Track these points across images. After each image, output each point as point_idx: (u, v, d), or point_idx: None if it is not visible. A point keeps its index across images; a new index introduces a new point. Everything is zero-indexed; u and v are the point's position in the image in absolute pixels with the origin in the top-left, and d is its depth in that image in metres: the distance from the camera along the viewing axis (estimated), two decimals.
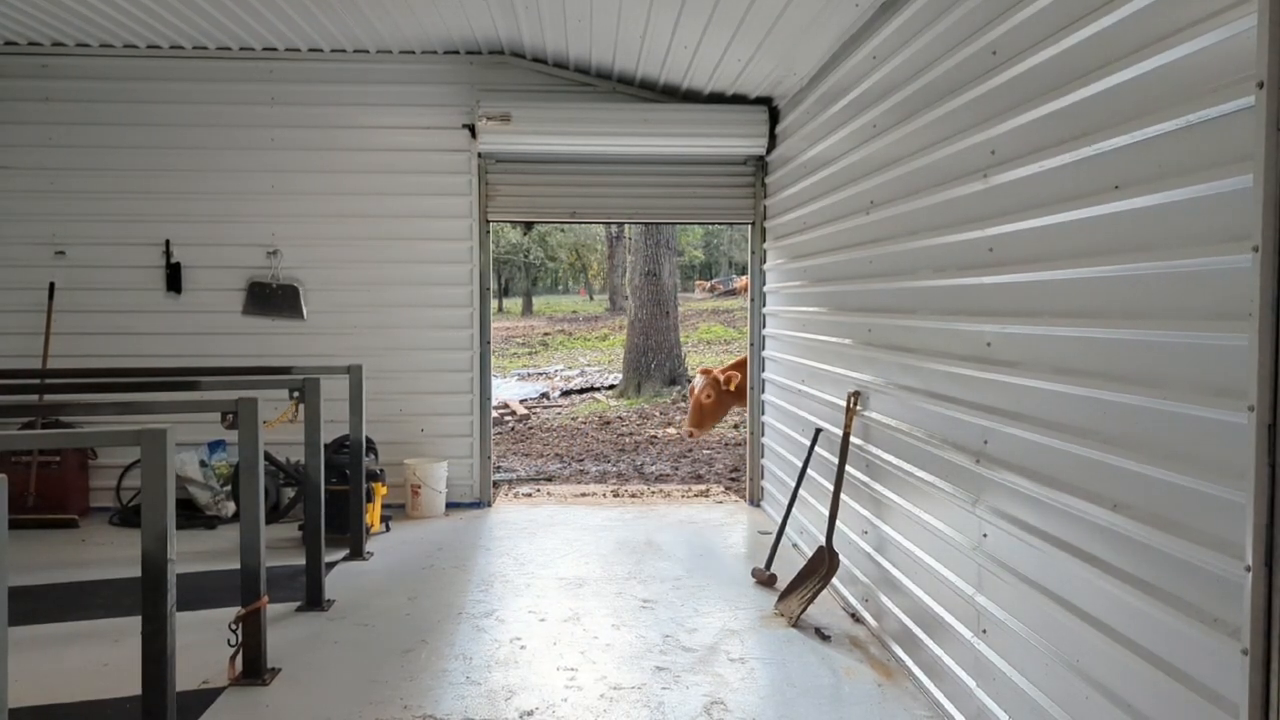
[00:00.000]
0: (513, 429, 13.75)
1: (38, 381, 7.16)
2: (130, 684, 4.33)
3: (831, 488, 5.63)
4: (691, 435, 9.22)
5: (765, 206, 8.38)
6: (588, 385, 18.39)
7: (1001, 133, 3.69)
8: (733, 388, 8.95)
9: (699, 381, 9.15)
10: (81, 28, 7.48)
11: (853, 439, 5.50)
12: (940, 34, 4.33)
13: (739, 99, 8.18)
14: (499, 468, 10.52)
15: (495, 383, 8.77)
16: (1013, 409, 3.58)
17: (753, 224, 8.58)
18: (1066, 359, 3.20)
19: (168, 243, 8.16)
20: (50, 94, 8.08)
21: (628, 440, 12.78)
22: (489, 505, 8.53)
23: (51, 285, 8.10)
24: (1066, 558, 3.14)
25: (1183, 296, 2.60)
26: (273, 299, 8.22)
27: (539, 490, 9.40)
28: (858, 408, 5.46)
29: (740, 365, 9.15)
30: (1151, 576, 2.71)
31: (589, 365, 22.16)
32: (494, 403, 8.83)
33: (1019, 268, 3.54)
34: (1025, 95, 3.50)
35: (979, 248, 3.90)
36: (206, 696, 4.43)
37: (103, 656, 4.92)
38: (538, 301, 45.88)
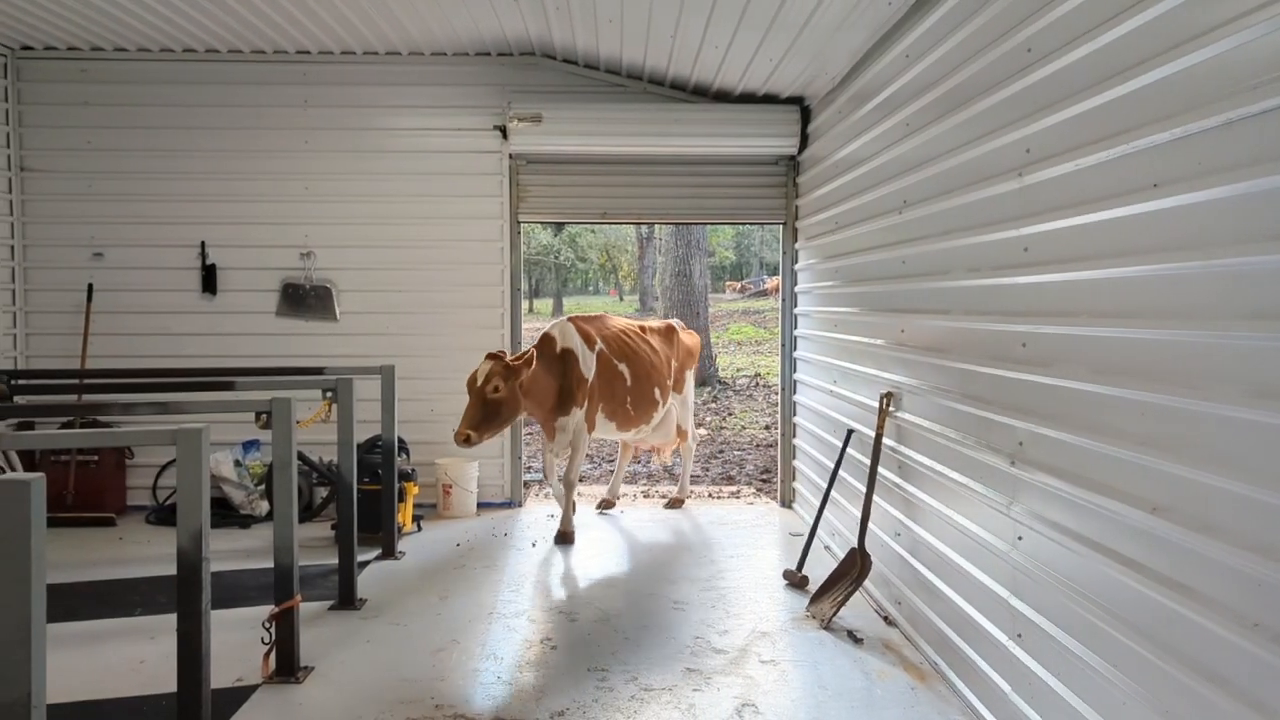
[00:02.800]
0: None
1: (76, 382, 7.26)
2: (166, 681, 4.38)
3: (863, 489, 5.60)
4: (466, 441, 6.57)
5: (797, 206, 8.34)
6: None
7: (1037, 131, 3.65)
8: (523, 378, 6.81)
9: (483, 368, 6.77)
10: (119, 32, 7.58)
11: (885, 440, 5.46)
12: (974, 32, 4.29)
13: (770, 99, 8.15)
14: (530, 468, 10.54)
15: None
16: (1048, 410, 3.54)
17: (784, 224, 8.54)
18: (1104, 360, 3.16)
19: (203, 245, 8.25)
20: (89, 98, 8.19)
21: None
22: (520, 505, 8.55)
23: (90, 287, 8.21)
24: (1104, 561, 3.10)
25: (1224, 296, 2.56)
26: (306, 300, 8.29)
27: None
28: (890, 409, 5.42)
29: (532, 358, 6.94)
30: (1191, 580, 2.67)
31: None
32: None
33: (1055, 267, 3.50)
34: (1061, 93, 3.46)
35: (1014, 247, 3.86)
36: (240, 694, 4.47)
37: (139, 653, 4.97)
38: (568, 302, 45.92)
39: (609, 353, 7.52)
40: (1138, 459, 2.92)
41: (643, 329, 8.00)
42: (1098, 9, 3.20)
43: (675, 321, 8.51)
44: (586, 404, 7.28)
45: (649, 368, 7.71)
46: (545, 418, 7.31)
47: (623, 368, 7.54)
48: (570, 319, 7.54)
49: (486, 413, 6.69)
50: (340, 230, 8.30)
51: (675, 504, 8.52)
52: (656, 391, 7.75)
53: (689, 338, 8.47)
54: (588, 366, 7.29)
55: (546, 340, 7.34)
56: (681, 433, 8.44)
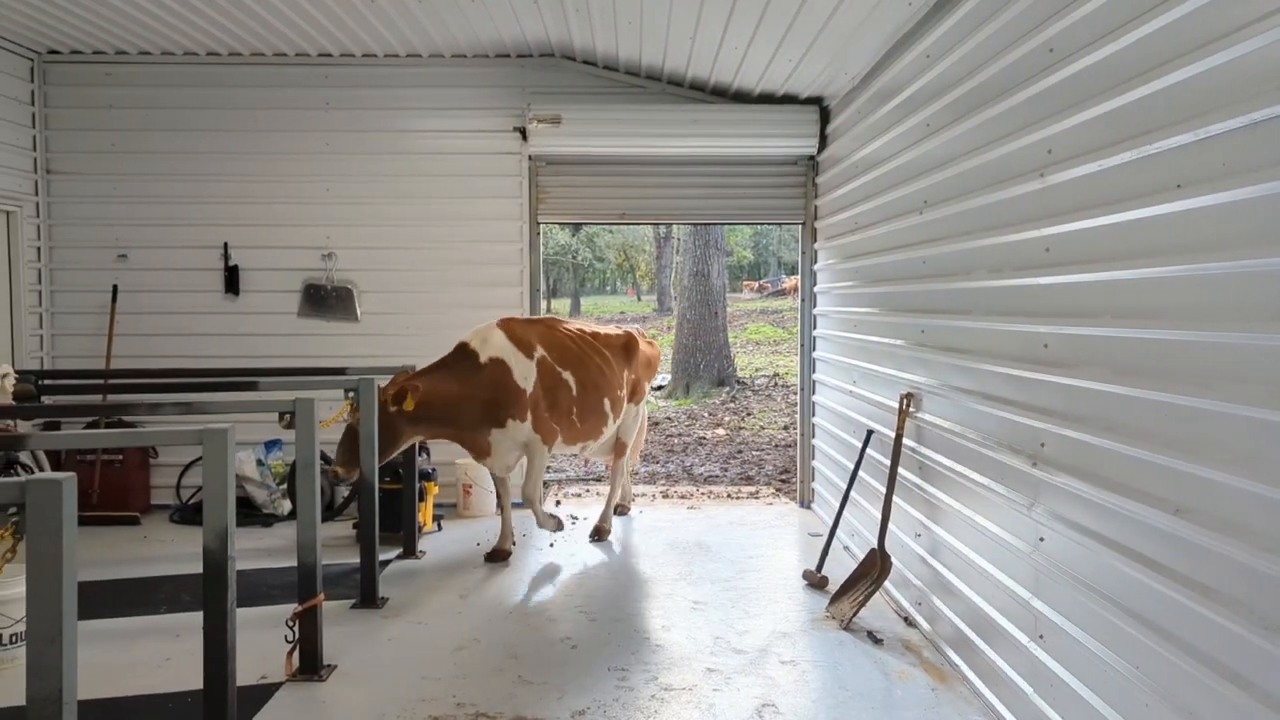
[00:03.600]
0: None
1: (101, 382, 7.33)
2: (192, 678, 4.44)
3: (883, 490, 5.59)
4: (336, 476, 6.04)
5: (816, 206, 8.34)
6: None
7: (1059, 131, 3.64)
8: (408, 407, 6.13)
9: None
10: (143, 36, 7.65)
11: (905, 441, 5.46)
12: (995, 32, 4.28)
13: (789, 99, 8.15)
14: (548, 468, 10.56)
15: None
16: (1071, 411, 3.53)
17: (803, 224, 8.54)
18: (1127, 360, 3.15)
19: (226, 246, 8.32)
20: (113, 101, 8.28)
21: (676, 441, 12.77)
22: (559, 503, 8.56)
23: (114, 288, 8.29)
24: (1127, 562, 3.09)
25: (1248, 296, 2.55)
26: (327, 301, 8.35)
27: (588, 490, 9.43)
28: (910, 409, 5.41)
29: (430, 373, 6.50)
30: (1215, 582, 2.66)
31: None
32: None
33: (1077, 268, 3.49)
34: (1084, 93, 3.45)
35: (1035, 248, 3.85)
36: (265, 691, 4.51)
37: (165, 651, 5.03)
38: (586, 302, 45.97)
39: (552, 360, 6.82)
40: (1160, 460, 2.91)
41: (597, 336, 7.35)
42: (1120, 9, 3.19)
43: (636, 330, 7.92)
44: (531, 416, 6.59)
45: (599, 377, 7.06)
46: (466, 436, 6.56)
47: (568, 376, 6.88)
48: (503, 323, 6.83)
49: (351, 444, 5.95)
50: (361, 231, 8.36)
51: (599, 533, 7.50)
52: (606, 403, 7.12)
53: (650, 348, 7.92)
54: (525, 376, 6.59)
55: (461, 350, 6.65)
56: (619, 447, 7.67)
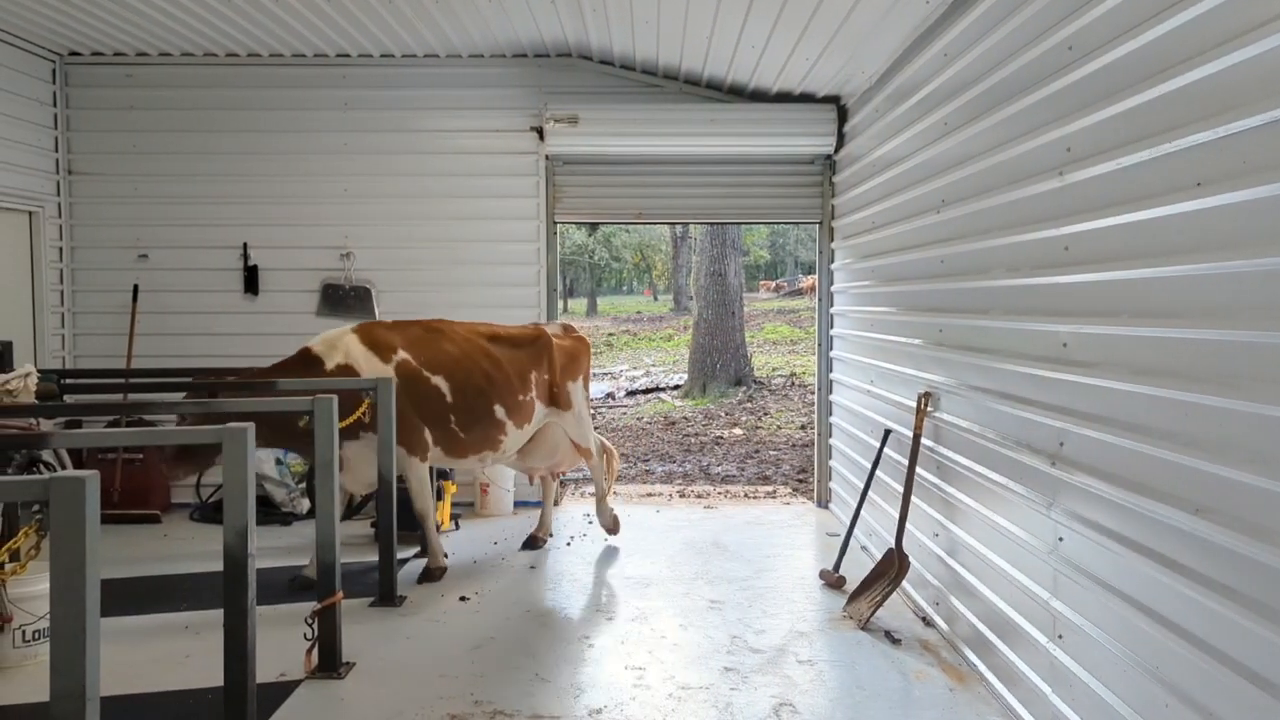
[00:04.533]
0: None
1: (122, 381, 7.40)
2: (212, 675, 4.48)
3: (901, 489, 5.58)
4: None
5: (833, 205, 8.32)
6: (653, 385, 18.42)
7: (1078, 129, 3.63)
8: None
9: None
10: (164, 37, 7.71)
11: (923, 440, 5.44)
12: (1014, 30, 4.26)
13: (806, 98, 8.14)
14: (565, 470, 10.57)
15: None
16: (1090, 411, 3.51)
17: (820, 223, 8.52)
18: (1146, 360, 3.13)
19: (245, 246, 8.37)
20: (134, 102, 8.35)
21: (693, 440, 12.77)
22: (556, 504, 8.59)
23: (135, 288, 8.36)
24: (1146, 562, 3.08)
25: (1269, 295, 2.53)
26: (346, 300, 8.39)
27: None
28: (928, 409, 5.40)
29: (304, 364, 6.13)
30: (1235, 582, 2.64)
31: (654, 365, 22.19)
32: None
33: (1096, 267, 3.48)
34: (1103, 91, 3.43)
35: (1054, 246, 3.84)
36: (284, 688, 4.54)
37: (185, 648, 5.07)
38: (602, 302, 46.05)
39: (418, 364, 6.29)
40: (1181, 460, 2.90)
41: (495, 335, 6.72)
42: (1140, 7, 3.18)
43: (555, 325, 7.33)
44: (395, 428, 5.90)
45: (485, 382, 6.43)
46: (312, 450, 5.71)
47: (438, 381, 6.29)
48: (360, 327, 6.38)
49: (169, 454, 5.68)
50: (379, 231, 8.40)
51: (613, 527, 7.33)
52: (500, 410, 6.48)
53: (570, 342, 7.19)
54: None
55: (302, 356, 6.20)
56: (583, 451, 7.23)
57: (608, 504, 7.39)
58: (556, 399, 6.96)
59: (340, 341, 6.22)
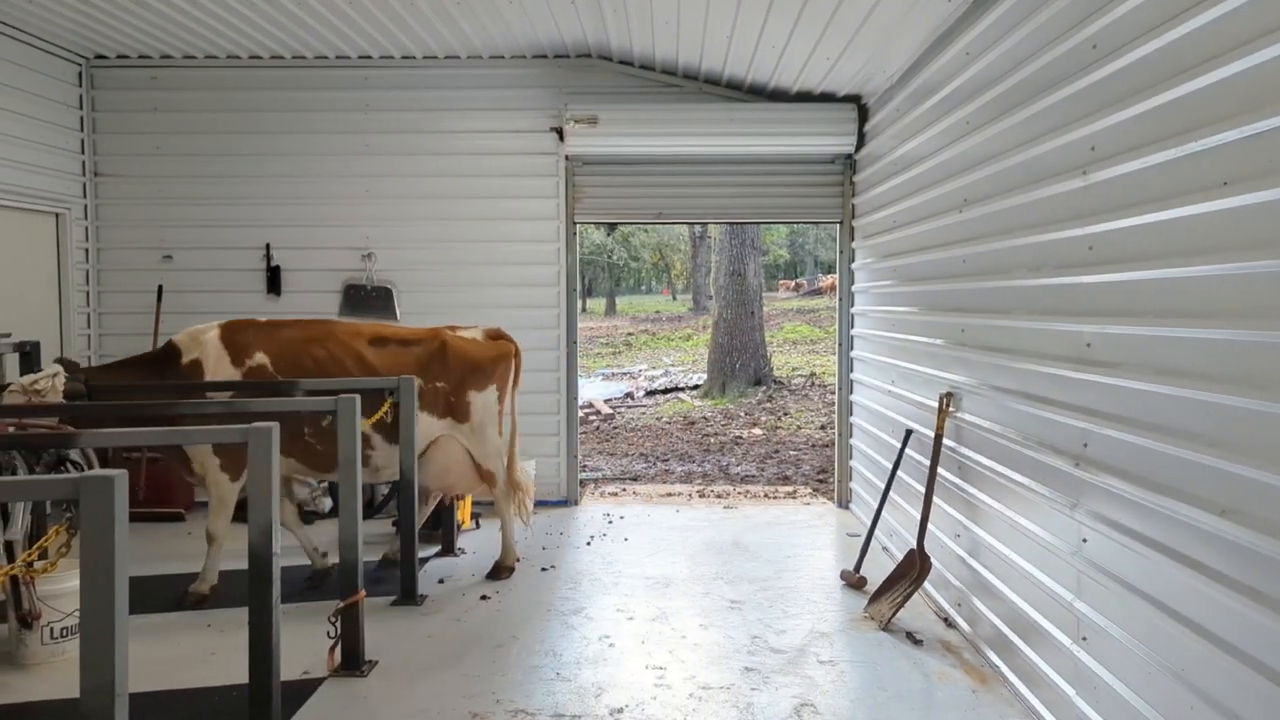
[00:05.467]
0: (598, 428, 13.85)
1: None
2: (237, 672, 4.52)
3: (922, 490, 5.56)
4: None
5: (854, 205, 8.30)
6: (672, 385, 18.41)
7: (1102, 128, 3.61)
8: (48, 392, 5.29)
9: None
10: (188, 40, 7.78)
11: (945, 440, 5.42)
12: (1037, 28, 4.25)
13: (826, 97, 8.12)
14: (584, 466, 10.61)
15: (580, 382, 8.81)
16: (1114, 411, 3.49)
17: (841, 223, 8.50)
18: (1171, 360, 3.12)
19: (268, 246, 8.44)
20: (158, 105, 8.43)
21: (712, 440, 12.77)
22: (576, 503, 8.62)
23: (160, 288, 8.44)
24: (1171, 564, 3.06)
25: None
26: (367, 301, 8.44)
27: (625, 490, 9.45)
28: (950, 409, 5.38)
29: (122, 365, 5.96)
30: (1262, 584, 2.63)
31: (673, 365, 22.19)
32: (579, 402, 8.88)
33: (1121, 266, 3.46)
34: (1128, 90, 3.41)
35: (1078, 246, 3.82)
36: (308, 686, 4.57)
37: (210, 645, 5.11)
38: (621, 302, 46.08)
39: (275, 370, 5.94)
40: (1206, 460, 2.88)
41: (380, 340, 6.20)
42: (1166, 5, 3.16)
43: (479, 329, 6.59)
44: None
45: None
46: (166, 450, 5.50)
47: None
48: (227, 324, 6.06)
49: None
50: (400, 231, 8.44)
51: (499, 571, 6.44)
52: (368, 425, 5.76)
53: (476, 347, 6.41)
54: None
55: (166, 348, 6.02)
56: (486, 475, 6.37)
57: (511, 542, 6.54)
58: (454, 410, 6.23)
59: (202, 337, 5.97)
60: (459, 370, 6.25)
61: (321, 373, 5.99)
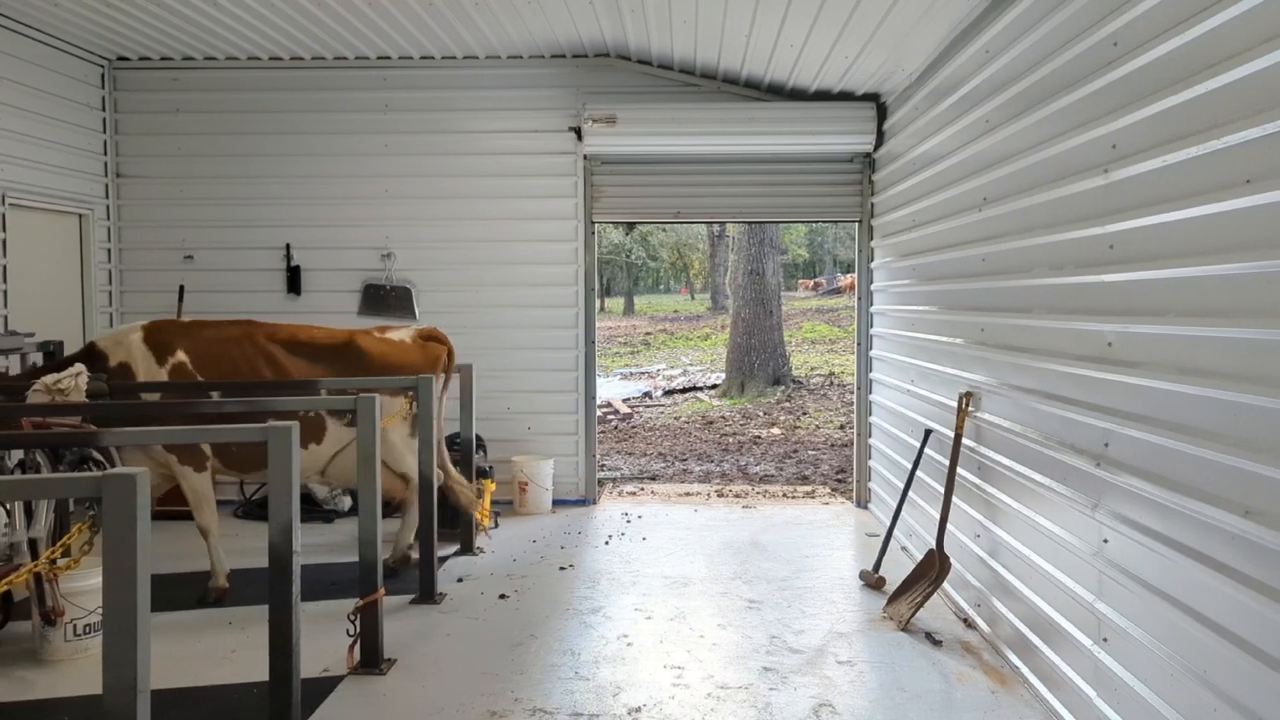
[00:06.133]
0: (616, 428, 13.86)
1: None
2: (257, 670, 4.54)
3: (942, 490, 5.54)
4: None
5: (873, 204, 8.27)
6: (690, 385, 18.40)
7: (1123, 126, 3.58)
8: None
9: None
10: (209, 42, 7.84)
11: (964, 440, 5.40)
12: (1058, 26, 4.22)
13: (845, 96, 8.09)
14: (603, 466, 10.61)
15: (598, 382, 8.81)
16: (1136, 411, 3.47)
17: (860, 222, 8.48)
18: (1194, 359, 3.09)
19: (288, 246, 8.49)
20: (180, 106, 8.49)
21: (731, 440, 12.75)
22: (594, 503, 8.63)
23: (181, 288, 8.51)
24: (1194, 565, 3.03)
25: None
26: (387, 300, 8.47)
27: (643, 489, 9.45)
28: (970, 409, 5.35)
29: (43, 372, 5.67)
30: None
31: (691, 365, 22.17)
32: (598, 402, 8.88)
33: (1142, 265, 3.43)
34: (1149, 87, 3.39)
35: (1099, 245, 3.79)
36: (327, 684, 4.59)
37: (230, 643, 5.15)
38: (639, 301, 46.08)
39: (194, 368, 6.00)
40: (1229, 461, 2.85)
41: (294, 341, 6.22)
42: (1187, 1, 3.13)
43: (409, 330, 6.64)
44: None
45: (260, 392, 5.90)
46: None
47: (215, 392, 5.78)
48: (150, 324, 6.11)
49: None
50: (419, 231, 8.47)
51: (393, 566, 6.39)
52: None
53: (394, 350, 6.38)
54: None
55: (88, 350, 6.02)
56: (397, 478, 6.39)
57: (406, 544, 6.47)
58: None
59: (126, 339, 6.01)
60: (375, 374, 6.22)
61: (235, 373, 6.07)
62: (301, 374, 6.15)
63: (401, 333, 6.58)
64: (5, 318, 7.19)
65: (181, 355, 6.04)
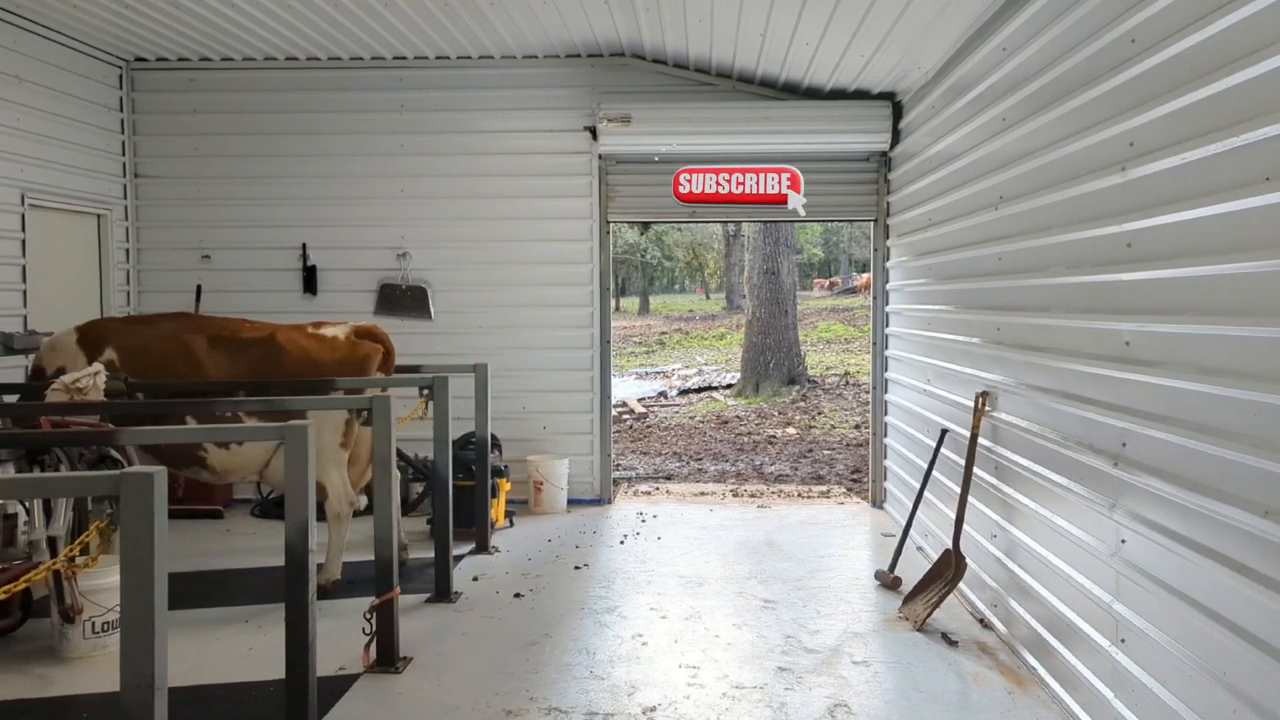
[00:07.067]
0: (631, 427, 13.86)
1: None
2: (273, 667, 4.56)
3: (958, 490, 5.51)
4: None
5: (888, 203, 8.24)
6: (705, 384, 18.38)
7: (1141, 124, 3.56)
8: None
9: None
10: (226, 43, 7.88)
11: (981, 440, 5.37)
12: (1075, 23, 4.19)
13: (861, 95, 8.07)
14: (618, 465, 10.61)
15: (613, 381, 8.81)
16: (1154, 410, 3.44)
17: (875, 221, 8.45)
18: (1212, 358, 3.07)
19: (304, 246, 8.52)
20: (197, 106, 8.54)
21: (746, 440, 12.73)
22: (609, 502, 8.63)
23: (198, 288, 8.56)
24: (1213, 565, 3.01)
25: None
26: (402, 300, 8.50)
27: (658, 488, 9.45)
28: (986, 408, 5.33)
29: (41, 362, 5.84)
30: None
31: (706, 364, 22.15)
32: (613, 401, 8.89)
33: (1160, 263, 3.41)
34: (1167, 85, 3.36)
35: (1116, 243, 3.77)
36: (343, 682, 4.61)
37: (247, 641, 5.17)
38: (654, 300, 46.06)
39: (120, 365, 5.89)
40: (1249, 460, 2.83)
41: (218, 337, 6.07)
42: None
43: (344, 326, 6.38)
44: None
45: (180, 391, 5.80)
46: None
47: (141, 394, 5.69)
48: (85, 324, 6.13)
49: None
50: (435, 231, 8.50)
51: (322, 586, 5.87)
52: (192, 424, 5.72)
53: (320, 348, 6.15)
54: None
55: (35, 367, 6.06)
56: (318, 485, 5.80)
57: (336, 557, 6.14)
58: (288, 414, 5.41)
59: (59, 344, 6.01)
60: (295, 372, 6.05)
61: (155, 371, 5.94)
62: (220, 370, 6.00)
63: (336, 329, 6.34)
64: (25, 317, 7.26)
65: (110, 354, 5.93)
